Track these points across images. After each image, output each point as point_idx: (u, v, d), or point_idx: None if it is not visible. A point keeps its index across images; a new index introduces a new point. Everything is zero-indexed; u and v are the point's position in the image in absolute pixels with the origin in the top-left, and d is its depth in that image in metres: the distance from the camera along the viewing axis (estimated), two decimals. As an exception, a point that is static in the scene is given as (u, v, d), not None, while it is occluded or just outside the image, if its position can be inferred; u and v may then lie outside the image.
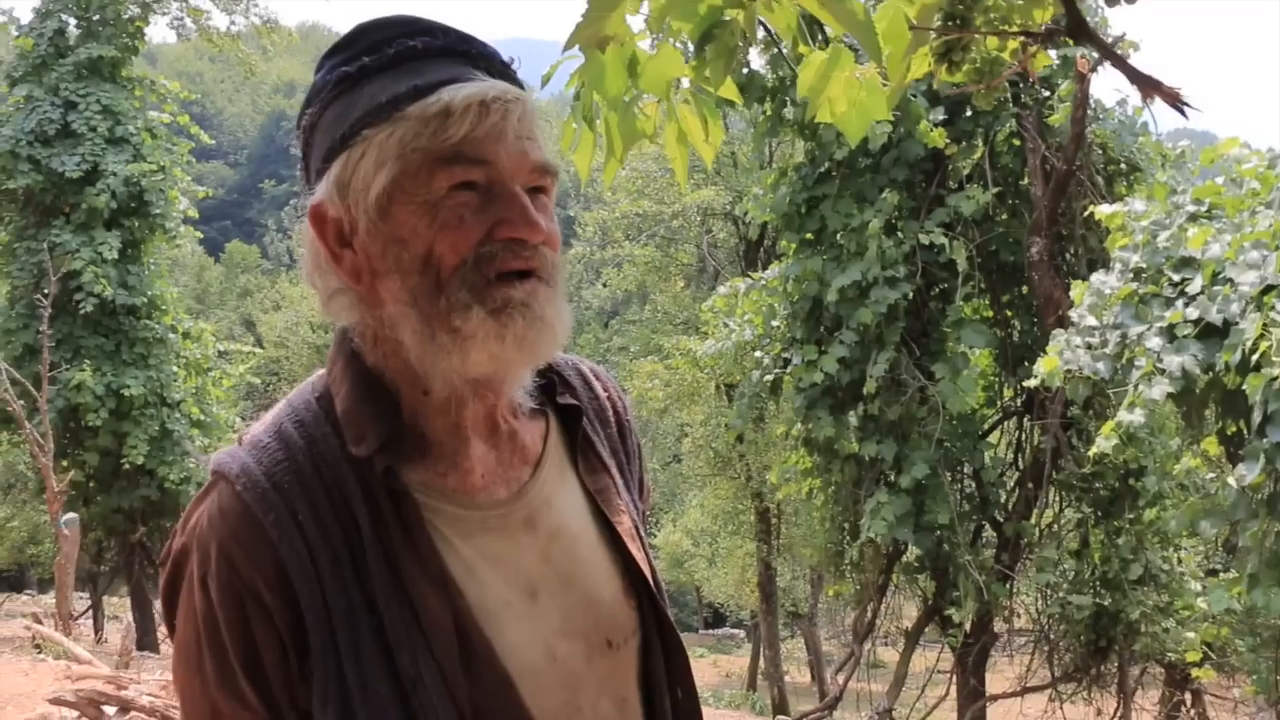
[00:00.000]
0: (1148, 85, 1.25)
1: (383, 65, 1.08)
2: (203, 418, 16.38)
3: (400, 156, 1.04)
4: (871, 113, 1.67)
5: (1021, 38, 1.34)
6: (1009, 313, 9.22)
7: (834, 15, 1.43)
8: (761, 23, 1.81)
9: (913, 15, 1.41)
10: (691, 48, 1.76)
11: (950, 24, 1.39)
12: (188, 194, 16.78)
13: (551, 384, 1.24)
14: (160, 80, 17.20)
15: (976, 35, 1.36)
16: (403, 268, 1.06)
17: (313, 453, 1.09)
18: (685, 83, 2.17)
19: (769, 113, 8.44)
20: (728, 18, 1.64)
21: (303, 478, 1.08)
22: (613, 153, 2.28)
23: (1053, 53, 8.54)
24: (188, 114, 17.64)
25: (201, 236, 19.61)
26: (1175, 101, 1.26)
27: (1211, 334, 4.69)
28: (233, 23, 18.87)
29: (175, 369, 16.05)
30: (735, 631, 33.16)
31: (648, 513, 1.41)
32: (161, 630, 17.76)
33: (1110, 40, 8.31)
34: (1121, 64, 1.31)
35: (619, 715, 1.16)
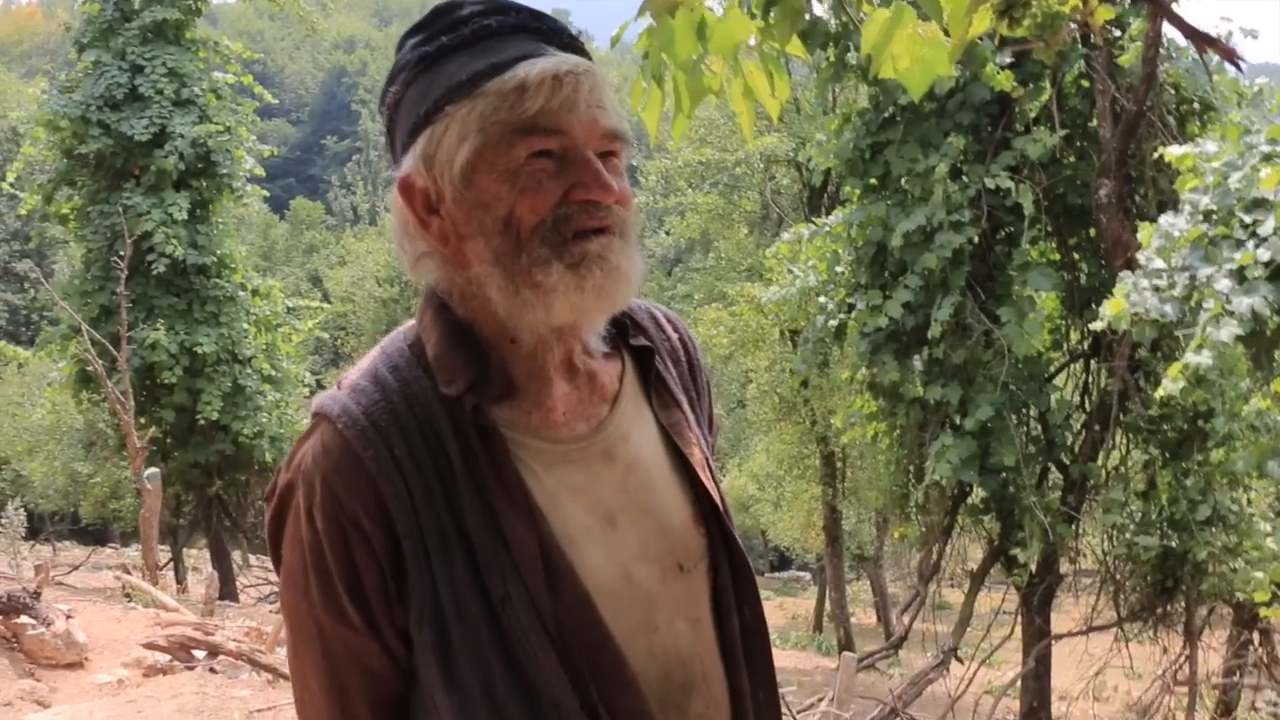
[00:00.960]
0: (1201, 40, 1.31)
1: (460, 44, 1.17)
2: (273, 373, 16.73)
3: (481, 130, 1.13)
4: (934, 68, 1.74)
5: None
6: (1076, 256, 9.13)
7: (897, -24, 1.51)
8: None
9: (973, -24, 1.48)
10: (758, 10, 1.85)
11: (1011, -18, 1.46)
12: (253, 153, 16.99)
13: (625, 327, 1.33)
14: (223, 41, 17.38)
15: (1035, -6, 1.42)
16: (486, 230, 1.16)
17: (406, 394, 1.18)
18: (752, 40, 2.25)
19: (832, 59, 8.39)
20: (796, -20, 1.72)
21: (398, 416, 1.17)
22: (680, 109, 2.37)
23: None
24: (250, 73, 17.83)
25: (267, 194, 19.90)
26: (1230, 57, 1.31)
27: (1281, 275, 4.68)
28: (293, -21, 18.97)
29: (245, 326, 16.36)
30: (801, 574, 33.39)
31: (716, 446, 1.49)
32: (241, 580, 18.34)
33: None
34: (1175, 19, 1.37)
35: (693, 634, 1.25)
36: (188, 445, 16.33)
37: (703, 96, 2.34)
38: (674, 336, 1.40)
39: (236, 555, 18.93)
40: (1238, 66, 1.31)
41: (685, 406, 1.35)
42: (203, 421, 15.55)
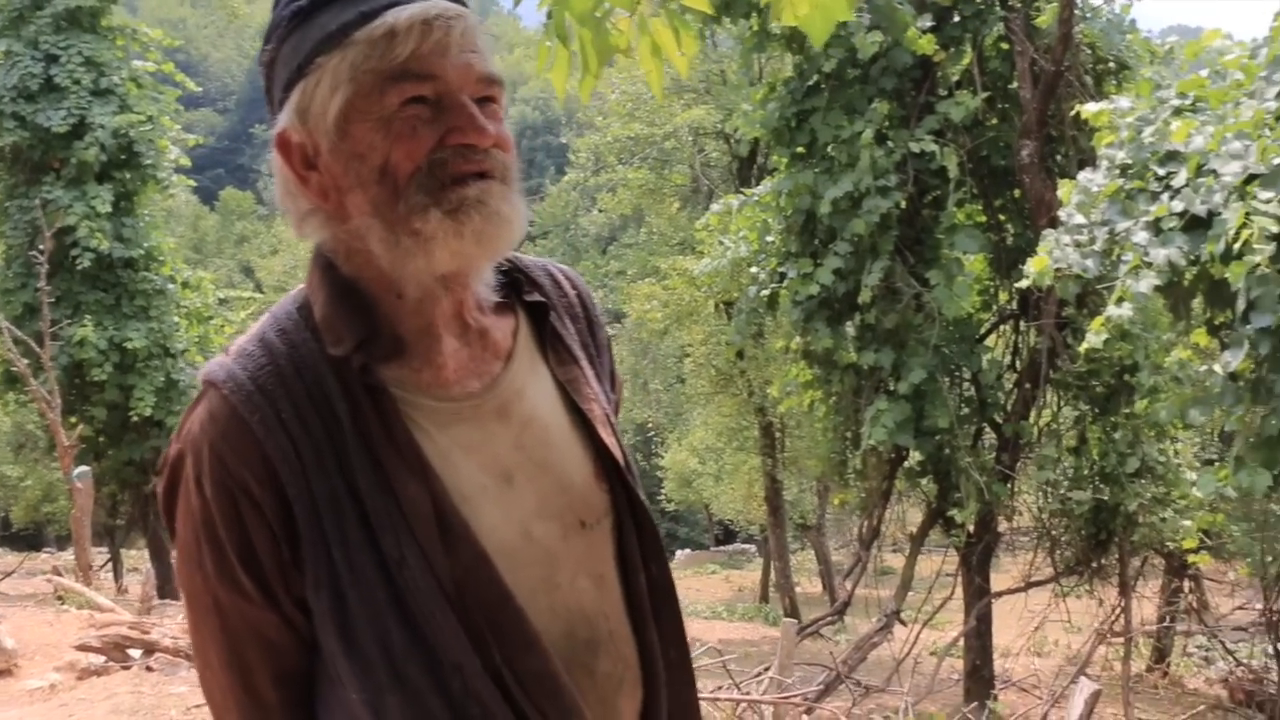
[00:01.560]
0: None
1: None
2: (207, 367, 16.47)
3: (353, 79, 1.12)
4: (833, 13, 1.73)
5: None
6: (1002, 217, 9.24)
7: (787, -77, 1.49)
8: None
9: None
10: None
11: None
12: (178, 143, 16.64)
13: (519, 283, 1.32)
14: (142, 28, 16.98)
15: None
16: (363, 180, 1.14)
17: (294, 356, 1.17)
18: (656, -3, 2.22)
19: (755, 27, 8.40)
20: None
21: (285, 379, 1.15)
22: (588, 69, 2.34)
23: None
24: (172, 61, 17.44)
25: (195, 185, 19.51)
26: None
27: (1196, 225, 4.75)
28: (212, -35, 18.56)
29: (177, 319, 16.06)
30: (746, 547, 33.59)
31: (620, 402, 1.48)
32: (180, 578, 18.05)
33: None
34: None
35: (596, 590, 1.24)
36: (121, 443, 16.02)
37: (609, 55, 2.31)
38: (571, 293, 1.39)
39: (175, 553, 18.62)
40: None
41: (584, 363, 1.34)
42: (136, 418, 15.27)
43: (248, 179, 72.59)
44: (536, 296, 1.32)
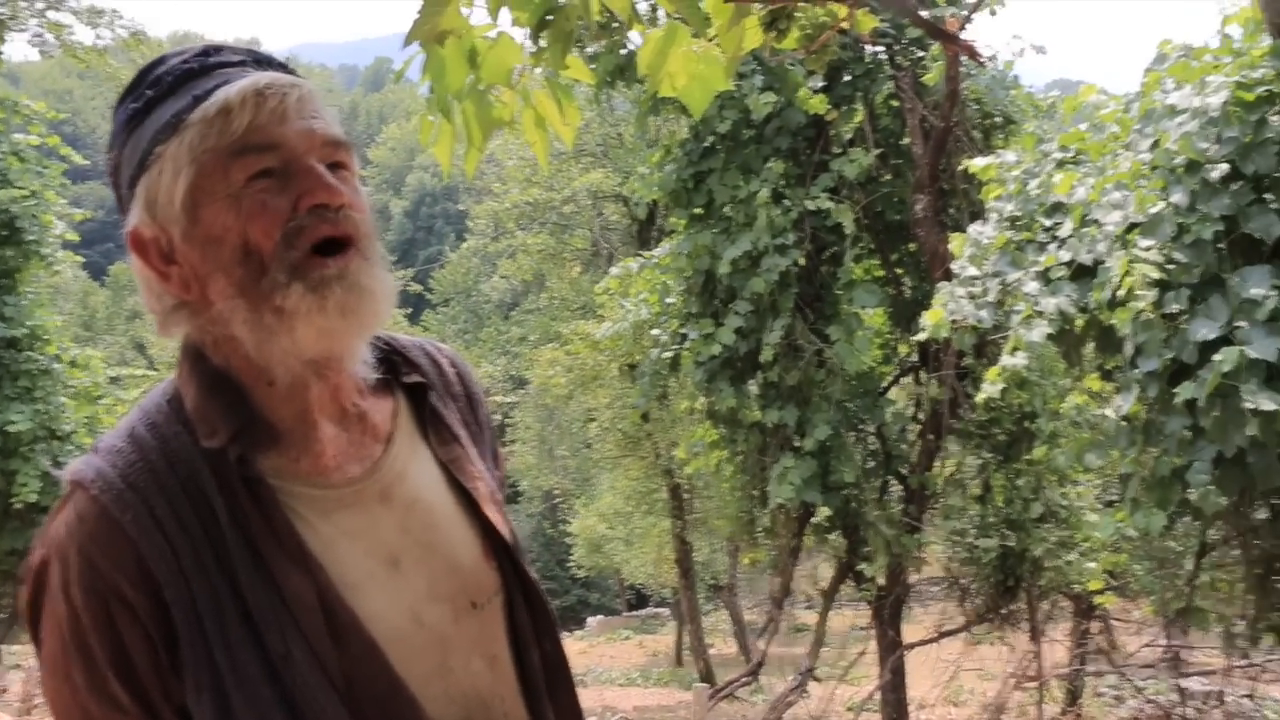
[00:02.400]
0: (943, 38, 1.31)
1: (165, 92, 1.14)
2: (98, 447, 15.92)
3: (193, 160, 1.10)
4: (712, 84, 1.71)
5: (840, 3, 1.39)
6: (899, 271, 9.40)
7: (661, -9, 1.47)
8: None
9: (736, -14, 1.45)
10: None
11: (775, -7, 1.43)
12: (64, 218, 16.12)
13: (396, 364, 1.30)
14: (24, 100, 16.55)
15: (796, 3, 1.40)
16: (224, 264, 1.10)
17: (166, 451, 1.12)
18: (539, 69, 2.19)
19: (649, 91, 8.46)
20: (563, 2, 1.66)
21: (158, 475, 1.10)
22: (472, 142, 2.30)
23: (924, 13, 8.71)
24: (58, 134, 17.01)
25: (83, 260, 18.96)
26: (970, 53, 1.32)
27: (1083, 274, 4.85)
28: (99, 37, 18.22)
29: (64, 400, 15.45)
30: (660, 610, 33.31)
31: (504, 479, 1.46)
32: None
33: (976, 1, 8.51)
34: (920, 21, 1.37)
35: (490, 672, 1.21)
36: (3, 531, 15.31)
37: (494, 127, 2.27)
38: (450, 372, 1.37)
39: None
40: (979, 61, 1.31)
41: (465, 442, 1.31)
42: (19, 505, 14.62)
43: (141, 254, 70.95)
44: (415, 377, 1.30)
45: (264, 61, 1.18)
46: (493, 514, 1.26)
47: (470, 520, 1.25)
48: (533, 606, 1.27)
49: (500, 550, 1.26)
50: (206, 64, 1.16)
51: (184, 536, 1.08)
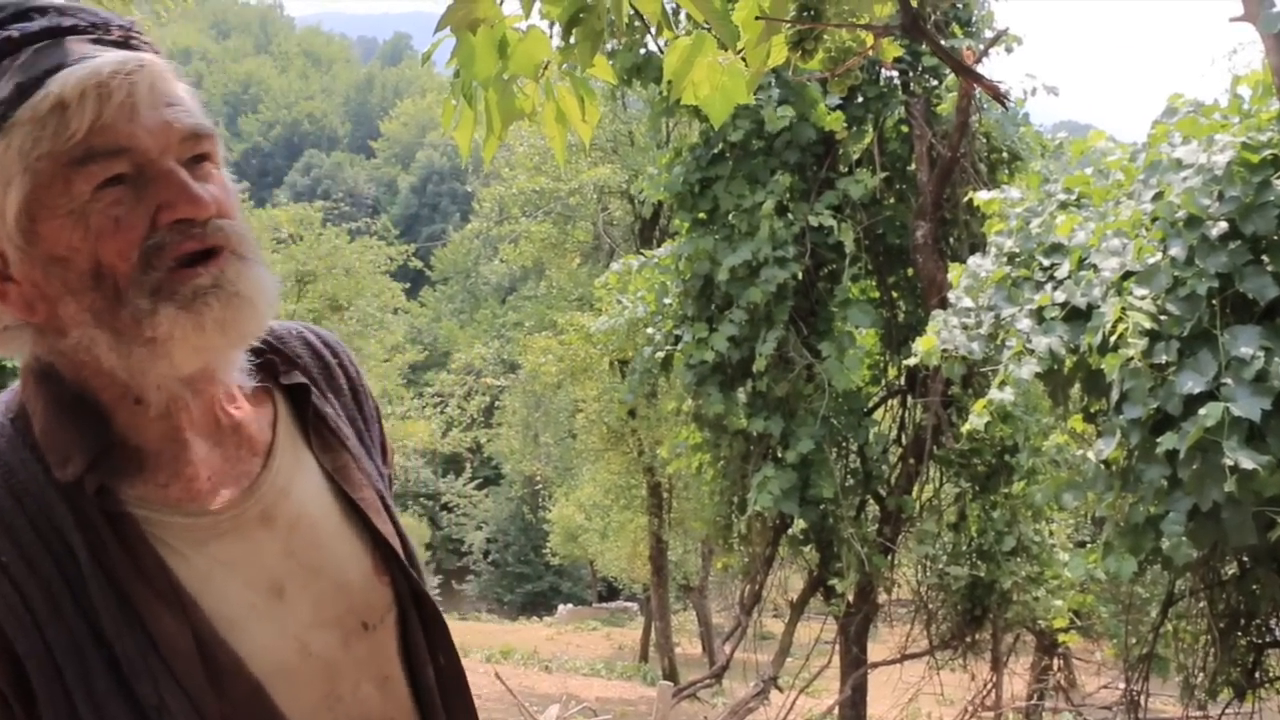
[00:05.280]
0: (970, 76, 1.35)
1: None
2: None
3: (26, 169, 0.93)
4: (733, 96, 1.75)
5: (867, 30, 1.44)
6: (894, 294, 9.46)
7: (693, 2, 1.51)
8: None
9: (766, 6, 1.49)
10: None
11: (804, 14, 1.47)
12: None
13: (273, 364, 1.18)
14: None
15: (824, 26, 1.44)
16: (73, 288, 0.97)
17: (11, 484, 0.99)
18: (565, 65, 2.23)
19: (665, 93, 8.51)
20: (593, 1, 1.71)
21: (2, 514, 0.97)
22: (492, 130, 2.33)
23: (944, 43, 8.77)
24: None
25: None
26: (996, 95, 1.36)
27: (1076, 316, 4.90)
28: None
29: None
30: (629, 605, 33.46)
31: (392, 475, 1.36)
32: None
33: (994, 35, 8.57)
34: (948, 58, 1.41)
35: (381, 695, 1.14)
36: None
37: (514, 118, 2.31)
38: (333, 362, 1.26)
39: None
40: (1004, 104, 1.35)
41: (352, 442, 1.21)
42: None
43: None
44: (296, 377, 1.18)
45: (95, 25, 0.99)
46: (382, 524, 1.17)
47: (359, 533, 1.15)
48: (426, 620, 1.19)
49: (392, 562, 1.16)
50: (29, 32, 0.95)
51: (35, 582, 0.96)
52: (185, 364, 1.00)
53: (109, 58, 0.95)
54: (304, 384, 1.18)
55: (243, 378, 1.11)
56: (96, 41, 0.97)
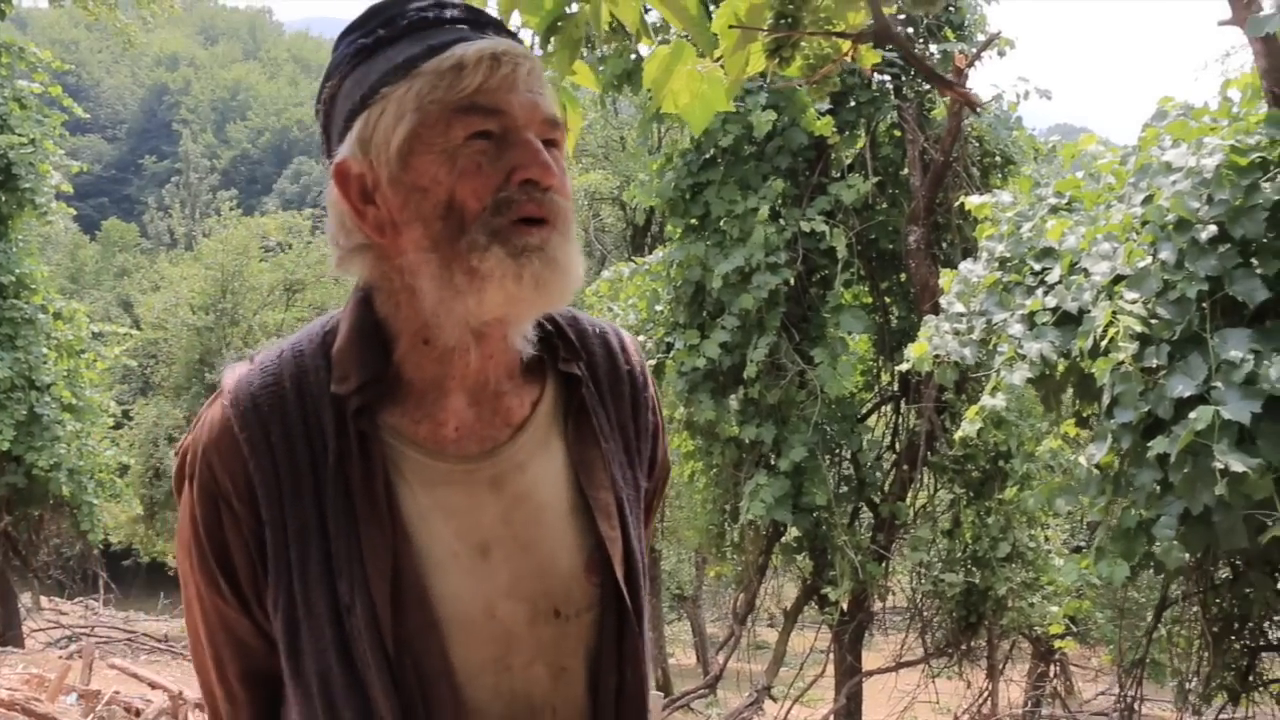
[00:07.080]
0: (941, 85, 1.33)
1: (397, 35, 1.14)
2: (75, 401, 15.74)
3: (418, 109, 1.10)
4: (713, 104, 1.73)
5: (842, 38, 1.42)
6: (887, 299, 9.44)
7: (670, 10, 1.49)
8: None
9: (742, 14, 1.47)
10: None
11: (782, 22, 1.45)
12: (60, 168, 16.02)
13: (556, 349, 1.26)
14: (30, 47, 16.45)
15: (800, 34, 1.42)
16: (424, 215, 1.11)
17: (301, 382, 1.17)
18: (546, 73, 2.21)
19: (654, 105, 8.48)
20: (573, 10, 1.68)
21: (284, 403, 1.15)
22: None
23: (933, 49, 8.77)
24: (61, 85, 16.90)
25: (76, 213, 18.88)
26: (967, 101, 1.34)
27: (1067, 321, 4.89)
28: (110, -11, 18.09)
29: (45, 350, 15.37)
30: (624, 614, 33.32)
31: (661, 493, 1.43)
32: (29, 624, 17.19)
33: (986, 39, 8.57)
34: (920, 65, 1.39)
35: (552, 682, 1.19)
36: (-23, 479, 15.22)
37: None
38: (624, 368, 1.33)
39: (26, 598, 17.72)
40: (975, 110, 1.33)
41: (610, 445, 1.27)
42: (-9, 452, 14.54)
43: (134, 210, 70.44)
44: (573, 368, 1.27)
45: (489, 24, 1.19)
46: (608, 528, 1.22)
47: (583, 529, 1.22)
48: (624, 631, 1.22)
49: (606, 566, 1.21)
50: (442, 16, 1.16)
51: (290, 466, 1.13)
52: (491, 306, 1.11)
53: (503, 40, 1.14)
54: (576, 375, 1.27)
55: (526, 347, 1.21)
56: (489, 32, 1.17)
